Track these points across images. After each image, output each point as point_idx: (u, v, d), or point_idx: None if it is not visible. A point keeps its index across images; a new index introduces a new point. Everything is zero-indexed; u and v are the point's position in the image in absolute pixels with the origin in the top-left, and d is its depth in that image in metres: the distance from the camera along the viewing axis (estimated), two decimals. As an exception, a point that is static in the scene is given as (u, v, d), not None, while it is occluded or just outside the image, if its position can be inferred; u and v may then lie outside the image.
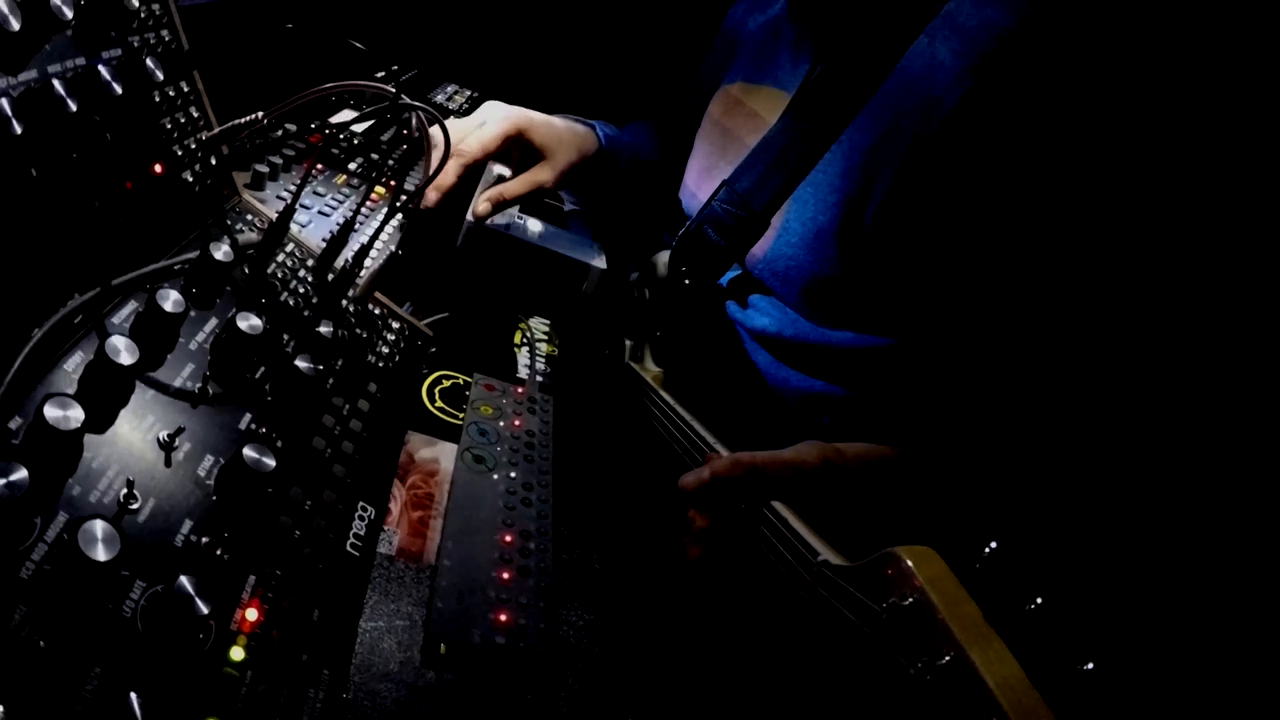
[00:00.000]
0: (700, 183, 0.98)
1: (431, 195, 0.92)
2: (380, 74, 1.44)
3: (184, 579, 0.42)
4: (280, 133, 0.89)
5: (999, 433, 0.79)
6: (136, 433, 0.49)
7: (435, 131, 0.65)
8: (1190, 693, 0.76)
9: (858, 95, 0.79)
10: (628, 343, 1.01)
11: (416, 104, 0.61)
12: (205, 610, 0.41)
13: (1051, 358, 0.78)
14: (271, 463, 0.49)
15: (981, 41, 0.73)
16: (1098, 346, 0.79)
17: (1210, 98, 0.79)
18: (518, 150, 1.00)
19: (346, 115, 1.06)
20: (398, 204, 0.67)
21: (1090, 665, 0.44)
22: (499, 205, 0.98)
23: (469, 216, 0.99)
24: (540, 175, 0.99)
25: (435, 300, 0.94)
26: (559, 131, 1.02)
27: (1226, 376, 0.84)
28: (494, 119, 0.98)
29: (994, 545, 0.50)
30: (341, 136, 0.99)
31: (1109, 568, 0.79)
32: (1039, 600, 0.46)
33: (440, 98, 1.51)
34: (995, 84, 0.72)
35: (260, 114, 0.64)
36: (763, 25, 0.98)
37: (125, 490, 0.45)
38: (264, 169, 0.83)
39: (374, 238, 0.69)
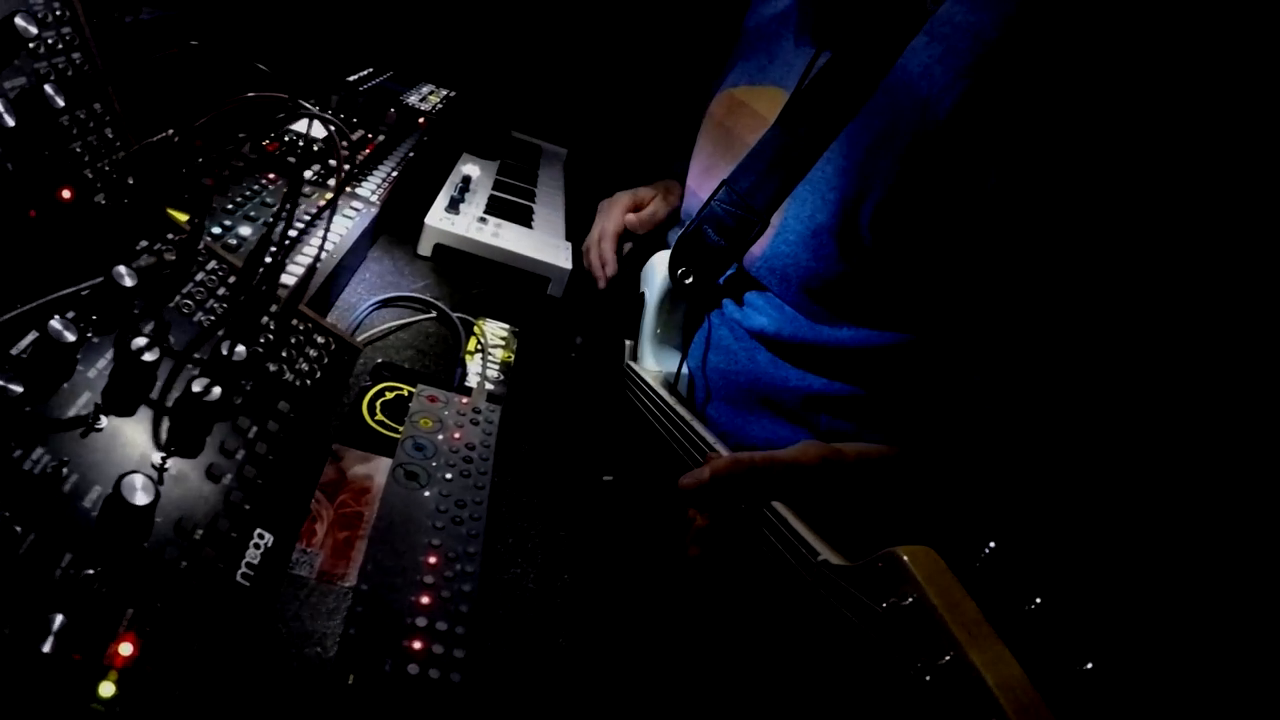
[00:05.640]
0: (701, 183, 0.99)
1: (600, 278, 1.09)
2: (356, 75, 1.44)
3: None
4: (199, 158, 0.88)
5: (998, 432, 0.78)
6: (23, 465, 0.48)
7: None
8: (1190, 693, 0.74)
9: (856, 94, 0.79)
10: (628, 343, 1.01)
11: (310, 108, 0.59)
12: (46, 649, 0.40)
13: (1048, 356, 0.77)
14: (147, 499, 0.48)
15: (976, 43, 0.73)
16: (1094, 345, 0.77)
17: (1204, 94, 0.77)
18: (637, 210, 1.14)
19: (302, 126, 1.05)
20: (321, 211, 0.65)
21: (1090, 665, 0.44)
22: (646, 224, 1.11)
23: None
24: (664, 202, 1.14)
25: (394, 309, 0.93)
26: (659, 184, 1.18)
27: (1226, 375, 0.82)
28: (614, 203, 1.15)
29: (994, 545, 0.49)
30: (248, 149, 0.98)
31: (1109, 567, 0.79)
32: (1039, 600, 0.46)
33: (414, 98, 1.51)
34: (989, 85, 0.72)
35: (171, 131, 0.64)
36: (771, 18, 0.98)
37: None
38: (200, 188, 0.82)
39: (290, 250, 0.68)
